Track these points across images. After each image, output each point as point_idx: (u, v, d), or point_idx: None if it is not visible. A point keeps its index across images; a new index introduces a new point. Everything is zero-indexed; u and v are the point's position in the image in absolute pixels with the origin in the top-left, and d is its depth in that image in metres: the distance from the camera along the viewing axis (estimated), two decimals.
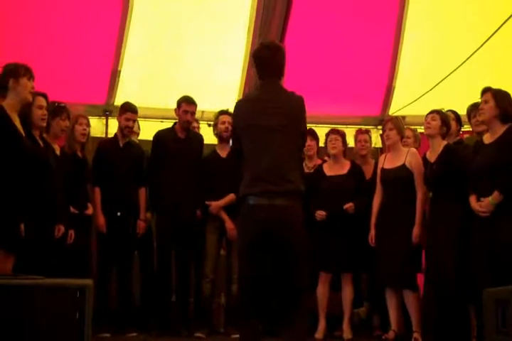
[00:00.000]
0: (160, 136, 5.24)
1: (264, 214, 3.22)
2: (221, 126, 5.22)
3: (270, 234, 3.21)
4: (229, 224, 5.04)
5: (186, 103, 5.15)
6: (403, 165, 4.78)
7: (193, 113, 5.19)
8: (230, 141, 5.33)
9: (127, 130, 5.18)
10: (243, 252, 3.33)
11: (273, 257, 3.23)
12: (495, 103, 4.10)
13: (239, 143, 3.45)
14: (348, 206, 4.94)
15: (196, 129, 5.58)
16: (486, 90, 4.18)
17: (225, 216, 5.07)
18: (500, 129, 4.11)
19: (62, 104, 4.63)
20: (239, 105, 3.51)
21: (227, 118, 5.20)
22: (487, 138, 4.21)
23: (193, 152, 5.14)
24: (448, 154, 4.51)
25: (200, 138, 5.31)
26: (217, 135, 5.29)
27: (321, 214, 4.98)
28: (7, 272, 3.30)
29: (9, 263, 3.41)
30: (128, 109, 5.20)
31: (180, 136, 5.19)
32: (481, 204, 4.04)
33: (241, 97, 3.59)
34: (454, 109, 5.01)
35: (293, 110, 3.38)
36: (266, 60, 3.43)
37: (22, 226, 3.66)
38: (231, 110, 5.37)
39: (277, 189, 3.22)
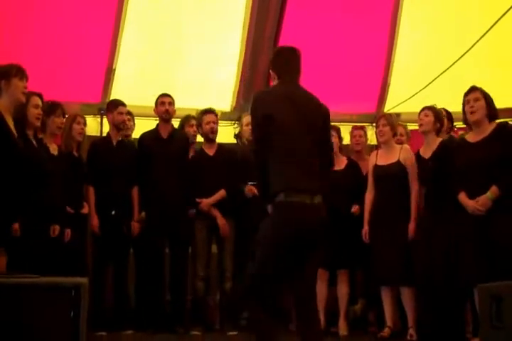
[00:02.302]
0: (143, 137, 5.27)
1: (304, 212, 3.07)
2: (206, 127, 5.22)
3: (305, 232, 3.07)
4: (221, 220, 5.04)
5: (160, 96, 5.25)
6: (397, 162, 4.79)
7: (170, 103, 5.21)
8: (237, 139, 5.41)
9: (123, 125, 5.17)
10: (271, 249, 3.09)
11: (298, 256, 3.11)
12: (485, 101, 4.12)
13: (262, 143, 3.17)
14: (356, 209, 4.94)
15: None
16: (474, 89, 4.18)
17: (216, 213, 5.07)
18: (488, 127, 4.13)
19: (56, 102, 4.63)
20: (261, 97, 3.28)
21: (212, 118, 5.22)
22: (471, 137, 4.20)
23: (177, 151, 5.13)
24: (443, 151, 4.51)
25: (185, 137, 5.30)
26: (203, 135, 5.29)
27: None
28: (1, 270, 3.31)
29: (2, 261, 3.41)
30: (117, 103, 5.21)
31: (162, 135, 5.20)
32: (478, 203, 4.01)
33: (261, 90, 3.40)
34: (450, 106, 5.01)
35: (320, 112, 3.27)
36: (287, 59, 3.39)
37: (16, 225, 3.68)
38: (216, 109, 5.40)
39: (315, 187, 3.10)
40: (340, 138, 5.24)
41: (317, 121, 3.24)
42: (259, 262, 3.12)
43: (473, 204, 4.03)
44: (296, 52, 3.44)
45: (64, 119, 4.71)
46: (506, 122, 4.40)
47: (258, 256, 3.13)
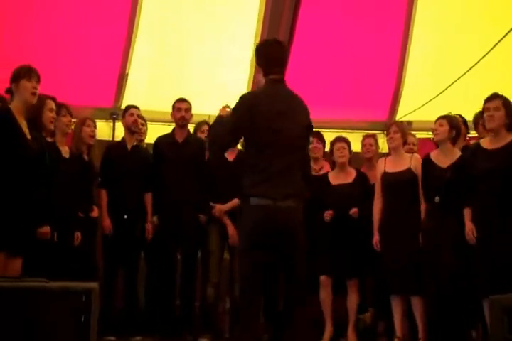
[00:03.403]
0: (158, 141, 5.29)
1: (268, 215, 3.24)
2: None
3: (273, 235, 3.23)
4: (231, 230, 5.03)
5: (177, 101, 5.25)
6: (408, 169, 4.77)
7: (187, 109, 5.22)
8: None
9: (134, 125, 5.17)
10: (243, 252, 3.34)
11: (274, 259, 3.26)
12: (505, 111, 4.09)
13: (236, 141, 3.48)
14: (353, 211, 4.93)
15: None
16: (495, 96, 4.15)
17: (227, 221, 5.06)
18: (506, 137, 4.11)
19: (59, 103, 4.64)
20: (247, 99, 3.40)
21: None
22: (487, 143, 4.19)
23: (192, 155, 5.12)
24: (462, 163, 4.44)
25: (201, 141, 5.29)
26: None
27: (329, 213, 4.95)
28: (16, 274, 3.32)
29: (18, 265, 3.43)
30: (128, 107, 5.29)
31: (178, 139, 5.20)
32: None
33: (251, 91, 3.47)
34: (462, 115, 5.00)
35: (302, 114, 3.40)
36: (275, 55, 3.40)
37: (47, 228, 3.73)
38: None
39: (283, 191, 3.24)
40: (350, 151, 5.22)
41: (301, 120, 3.37)
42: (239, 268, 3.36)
43: (469, 231, 4.13)
44: (281, 45, 3.46)
45: (70, 118, 4.72)
46: None
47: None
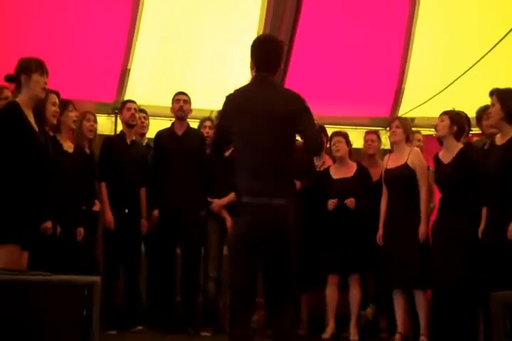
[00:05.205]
0: (158, 134, 5.31)
1: (261, 213, 3.12)
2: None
3: (265, 233, 3.11)
4: (230, 223, 5.04)
5: (176, 94, 5.30)
6: (405, 164, 4.77)
7: (185, 101, 5.25)
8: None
9: (132, 119, 5.17)
10: (234, 250, 3.21)
11: (264, 257, 3.15)
12: (500, 105, 4.06)
13: (223, 140, 3.34)
14: (349, 201, 4.91)
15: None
16: (491, 93, 4.14)
17: (226, 215, 5.08)
18: (510, 131, 4.08)
19: (66, 99, 4.63)
20: (230, 99, 3.28)
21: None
22: (498, 140, 4.18)
23: (191, 148, 5.14)
24: (464, 158, 4.45)
25: (199, 134, 5.32)
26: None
27: (333, 202, 4.94)
28: (22, 268, 3.31)
29: (24, 259, 3.42)
30: (126, 101, 5.33)
31: (177, 133, 5.22)
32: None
33: (234, 91, 3.35)
34: (465, 111, 4.98)
35: (288, 106, 3.23)
36: (265, 52, 3.30)
37: (49, 223, 3.72)
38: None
39: (274, 188, 3.14)
40: (349, 144, 5.20)
41: (283, 118, 3.18)
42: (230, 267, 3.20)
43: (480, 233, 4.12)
44: (276, 41, 3.37)
45: (77, 113, 4.73)
46: None
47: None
